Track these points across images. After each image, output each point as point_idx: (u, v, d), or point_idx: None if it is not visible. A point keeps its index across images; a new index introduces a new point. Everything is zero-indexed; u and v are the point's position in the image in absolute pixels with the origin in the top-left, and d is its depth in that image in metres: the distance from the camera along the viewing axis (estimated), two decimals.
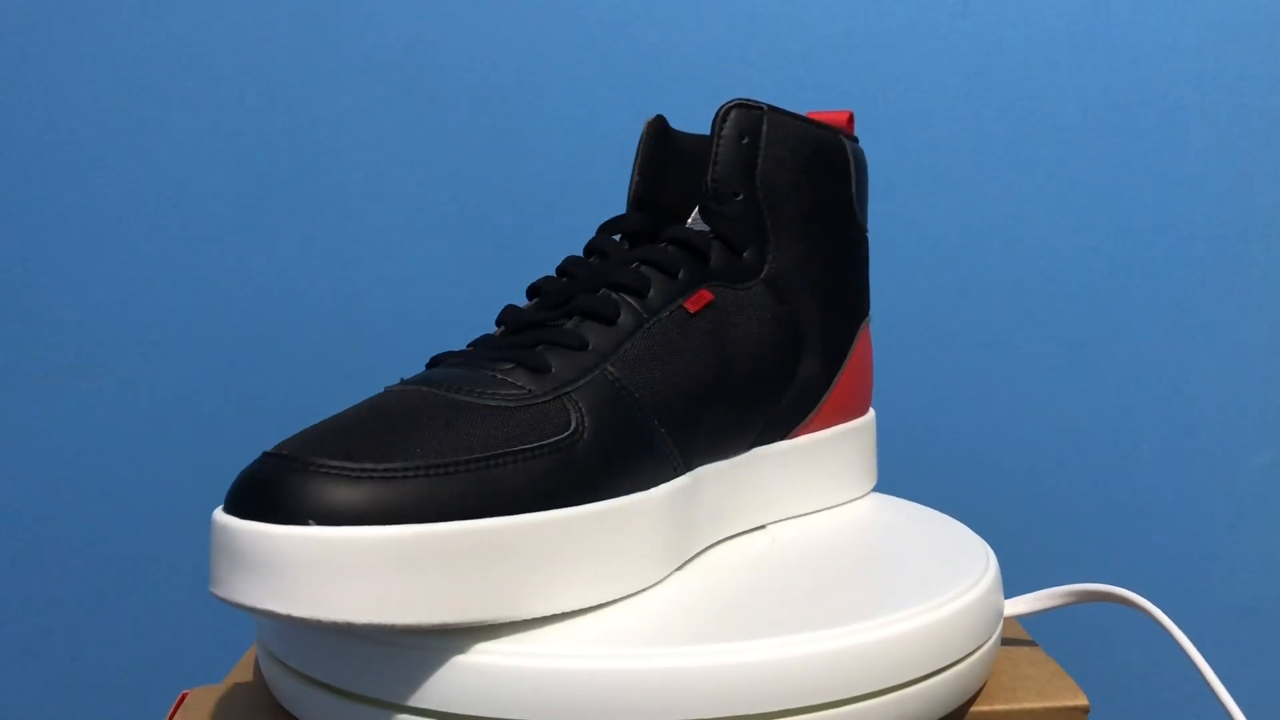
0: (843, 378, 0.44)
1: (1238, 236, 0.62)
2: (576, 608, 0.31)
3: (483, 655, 0.29)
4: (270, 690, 0.35)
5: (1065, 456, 0.63)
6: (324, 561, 0.27)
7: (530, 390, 0.32)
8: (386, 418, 0.30)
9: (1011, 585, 0.60)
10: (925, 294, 0.62)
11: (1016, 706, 0.34)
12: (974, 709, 0.34)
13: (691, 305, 0.37)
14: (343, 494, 0.27)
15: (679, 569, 0.36)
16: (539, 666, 0.29)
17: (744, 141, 0.40)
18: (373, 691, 0.30)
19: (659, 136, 0.41)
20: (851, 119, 0.45)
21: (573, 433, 0.32)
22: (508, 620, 0.29)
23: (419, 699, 0.30)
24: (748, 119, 0.40)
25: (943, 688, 0.32)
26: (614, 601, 0.32)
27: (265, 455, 0.29)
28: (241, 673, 0.38)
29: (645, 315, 0.36)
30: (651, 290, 0.37)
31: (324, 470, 0.28)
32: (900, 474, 0.62)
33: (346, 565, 0.27)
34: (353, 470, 0.28)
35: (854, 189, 0.44)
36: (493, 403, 0.32)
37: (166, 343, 0.61)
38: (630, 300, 0.36)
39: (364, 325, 0.62)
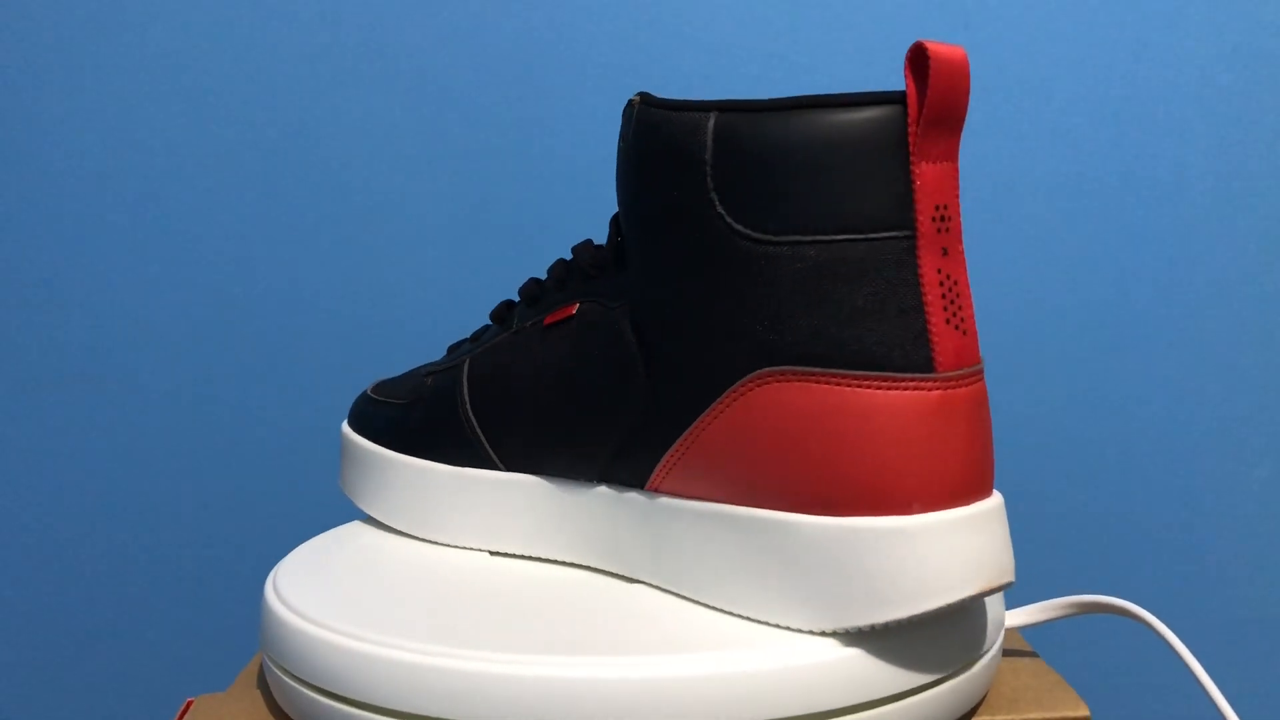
0: (705, 435, 0.32)
1: (1239, 248, 0.62)
2: (380, 519, 0.43)
3: (489, 664, 0.30)
4: (275, 698, 0.35)
5: (1066, 467, 0.63)
6: (341, 450, 0.45)
7: (430, 365, 0.43)
8: (407, 374, 0.45)
9: (1012, 596, 0.60)
10: None
11: (1018, 717, 0.34)
12: (974, 719, 0.34)
13: (549, 318, 0.38)
14: (354, 408, 0.45)
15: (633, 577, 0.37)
16: (544, 675, 0.29)
17: (620, 144, 0.35)
18: (376, 699, 0.31)
19: None
20: (959, 63, 0.30)
21: (412, 402, 0.42)
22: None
23: (424, 707, 0.30)
24: (624, 118, 0.35)
25: (944, 698, 0.32)
26: (428, 542, 0.42)
27: None
28: (246, 680, 0.38)
29: (517, 323, 0.39)
30: (538, 299, 0.39)
31: (361, 394, 0.45)
32: None
33: (343, 452, 0.45)
34: (366, 396, 0.45)
35: (717, 186, 0.31)
36: (420, 372, 0.43)
37: (172, 349, 0.62)
38: (519, 307, 0.40)
39: (371, 330, 0.62)
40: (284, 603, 0.34)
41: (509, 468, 0.39)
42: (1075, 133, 0.62)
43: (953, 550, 0.29)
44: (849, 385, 0.30)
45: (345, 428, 0.45)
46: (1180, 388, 0.63)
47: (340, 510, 0.62)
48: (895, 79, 0.61)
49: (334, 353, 0.62)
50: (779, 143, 0.30)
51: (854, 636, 0.31)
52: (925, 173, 0.30)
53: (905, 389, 0.29)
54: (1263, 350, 0.63)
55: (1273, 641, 0.64)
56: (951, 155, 0.30)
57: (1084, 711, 0.34)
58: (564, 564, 0.39)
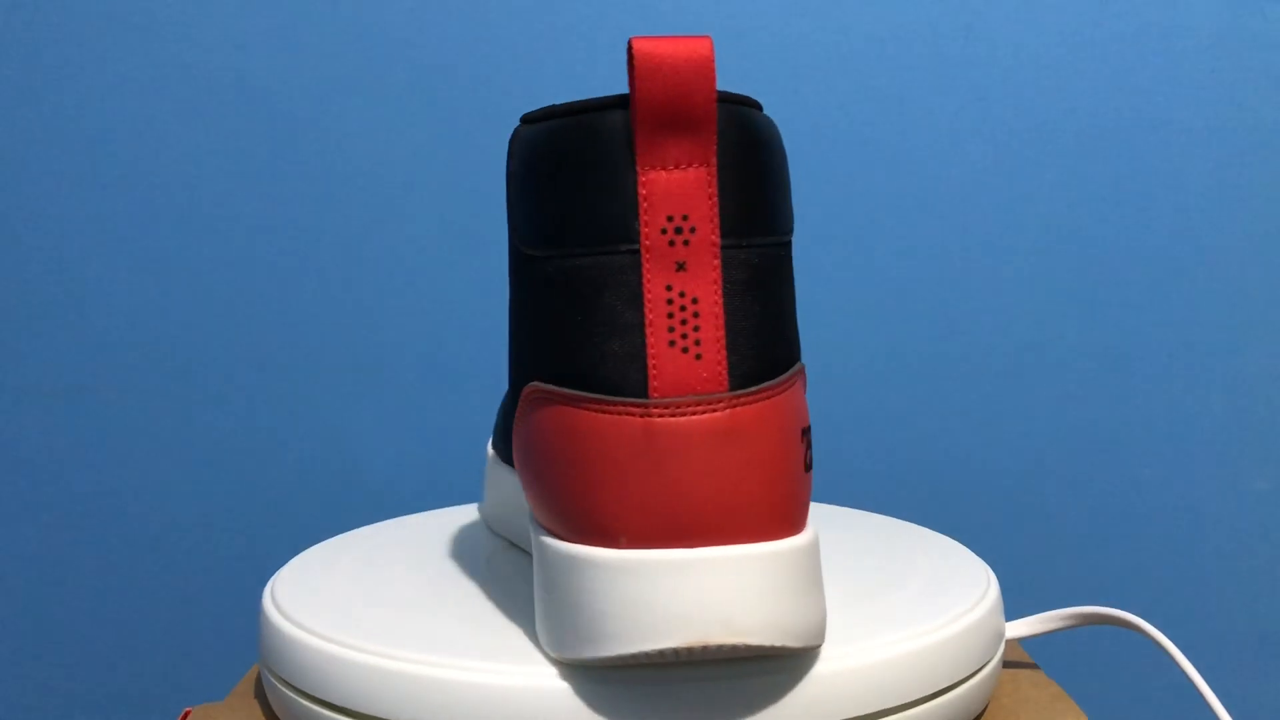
0: (521, 457, 0.31)
1: (1240, 259, 0.62)
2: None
3: (492, 675, 0.29)
4: (272, 708, 0.35)
5: (1068, 478, 0.63)
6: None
7: None
8: None
9: (1013, 607, 0.60)
10: (927, 311, 0.62)
11: None
12: None
13: None
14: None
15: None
16: (547, 686, 0.29)
17: None
18: (374, 710, 0.30)
19: None
20: (696, 61, 0.27)
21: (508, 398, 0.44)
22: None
23: (421, 718, 0.30)
24: None
25: (944, 710, 0.32)
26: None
27: None
28: (244, 691, 0.38)
29: None
30: None
31: None
32: (899, 496, 0.62)
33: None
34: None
35: (509, 199, 0.31)
36: None
37: (169, 355, 0.62)
38: None
39: (374, 337, 0.62)
40: (282, 612, 0.34)
41: (505, 459, 0.42)
42: (1073, 145, 0.62)
43: (653, 595, 0.27)
44: (572, 406, 0.28)
45: None
46: (1181, 398, 0.63)
47: (338, 519, 0.62)
48: (896, 85, 0.61)
49: (334, 360, 0.62)
50: (532, 154, 0.30)
51: (856, 649, 0.31)
52: (655, 181, 0.27)
53: (615, 413, 0.27)
54: (1265, 361, 0.63)
55: (1274, 654, 0.64)
56: (700, 160, 0.28)
57: None
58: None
